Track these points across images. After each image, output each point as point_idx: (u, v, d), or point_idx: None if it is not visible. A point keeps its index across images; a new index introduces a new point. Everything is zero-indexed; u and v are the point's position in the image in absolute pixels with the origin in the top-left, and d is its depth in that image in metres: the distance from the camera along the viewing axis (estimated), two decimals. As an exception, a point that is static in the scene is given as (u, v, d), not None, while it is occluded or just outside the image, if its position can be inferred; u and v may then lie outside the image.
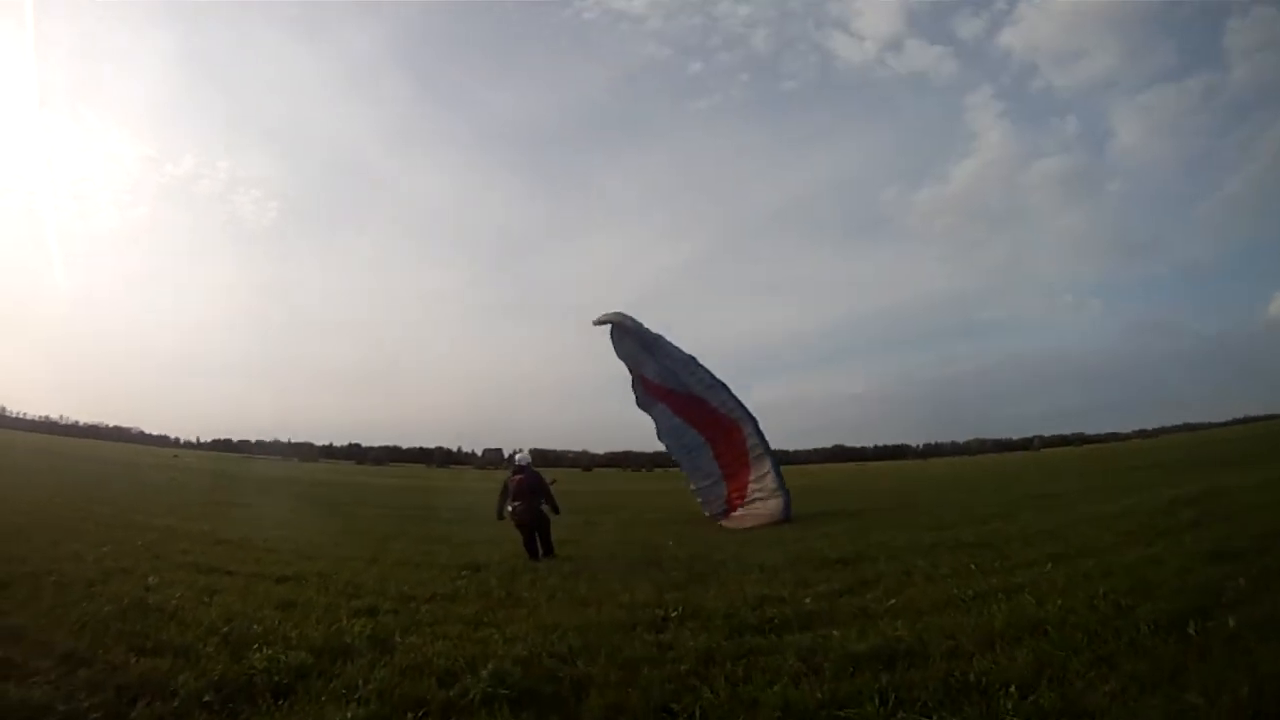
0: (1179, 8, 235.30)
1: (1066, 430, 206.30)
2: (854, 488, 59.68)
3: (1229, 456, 47.49)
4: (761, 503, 28.18)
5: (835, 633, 9.40)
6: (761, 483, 28.46)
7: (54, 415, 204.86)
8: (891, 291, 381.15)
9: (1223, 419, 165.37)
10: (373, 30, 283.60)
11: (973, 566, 13.83)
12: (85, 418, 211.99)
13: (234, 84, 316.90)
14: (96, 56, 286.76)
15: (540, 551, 17.80)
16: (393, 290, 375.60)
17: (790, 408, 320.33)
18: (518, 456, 19.04)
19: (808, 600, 11.65)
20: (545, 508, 18.12)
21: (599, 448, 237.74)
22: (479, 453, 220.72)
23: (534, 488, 18.06)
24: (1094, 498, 28.72)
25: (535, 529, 17.94)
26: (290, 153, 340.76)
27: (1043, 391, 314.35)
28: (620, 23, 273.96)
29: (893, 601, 11.24)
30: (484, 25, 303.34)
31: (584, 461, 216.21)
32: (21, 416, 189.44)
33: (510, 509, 17.97)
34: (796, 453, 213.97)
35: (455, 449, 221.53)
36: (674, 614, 10.94)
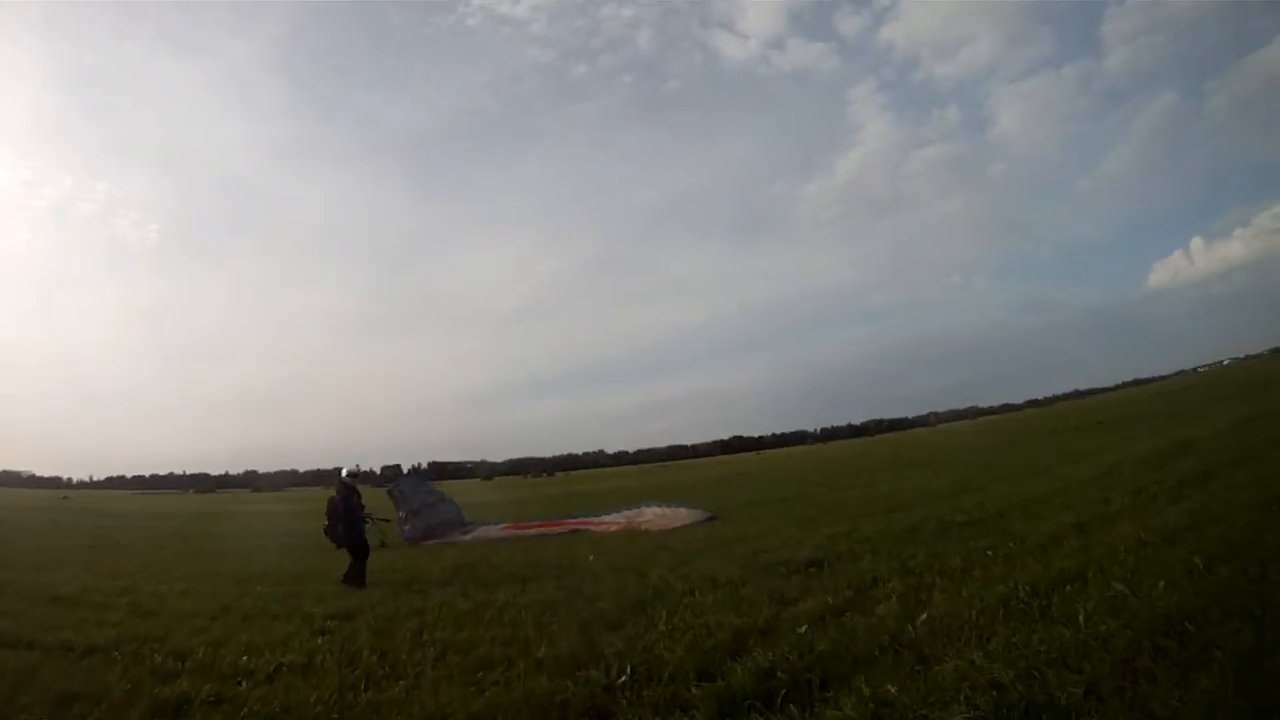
0: None
1: (960, 405, 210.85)
2: (767, 476, 56.82)
3: (1139, 415, 48.53)
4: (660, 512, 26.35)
5: (892, 690, 6.01)
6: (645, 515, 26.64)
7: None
8: (783, 284, 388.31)
9: (1110, 383, 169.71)
10: (249, 40, 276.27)
11: (989, 552, 11.38)
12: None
13: (109, 102, 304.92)
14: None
15: (346, 576, 15.95)
16: (280, 308, 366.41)
17: (685, 403, 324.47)
18: (344, 471, 17.58)
19: (803, 630, 8.25)
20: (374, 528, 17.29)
21: (498, 456, 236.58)
22: (377, 470, 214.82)
23: (345, 507, 16.45)
24: (1053, 463, 27.60)
25: (351, 553, 16.30)
26: (169, 171, 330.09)
27: (935, 370, 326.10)
28: (504, 27, 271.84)
29: (925, 615, 8.13)
30: (365, 32, 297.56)
31: (484, 471, 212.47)
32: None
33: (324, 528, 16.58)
34: (695, 446, 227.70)
35: (355, 467, 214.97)
36: (621, 679, 7.24)
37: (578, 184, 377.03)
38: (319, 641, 10.31)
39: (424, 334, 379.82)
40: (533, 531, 26.19)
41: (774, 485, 41.88)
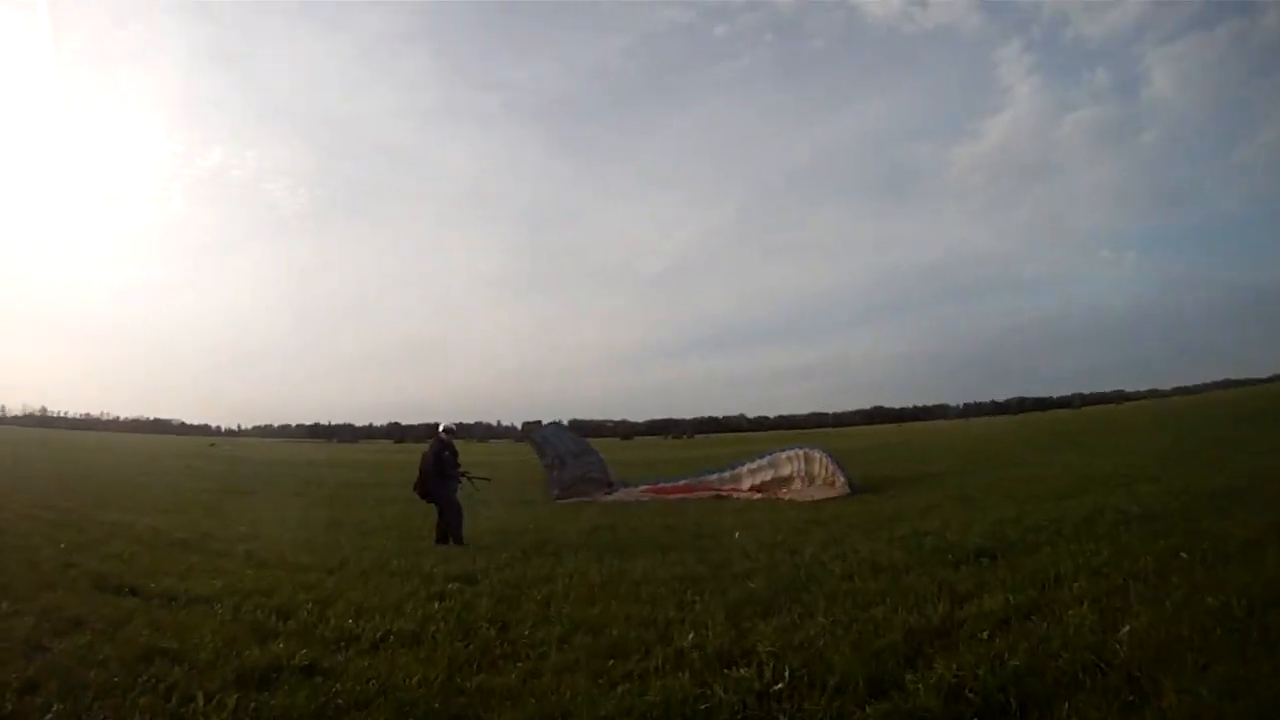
0: None
1: (1106, 388, 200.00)
2: (915, 450, 54.26)
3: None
4: (803, 482, 24.74)
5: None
6: (786, 466, 25.38)
7: (95, 412, 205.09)
8: (927, 250, 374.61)
9: (1264, 374, 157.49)
10: (389, 11, 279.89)
11: (1183, 554, 9.76)
12: (127, 413, 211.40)
13: (255, 75, 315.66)
14: (117, 56, 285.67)
15: (437, 538, 15.73)
16: (428, 268, 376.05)
17: (825, 369, 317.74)
18: (441, 426, 16.88)
19: (987, 636, 7.10)
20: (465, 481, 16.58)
21: (639, 416, 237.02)
22: (518, 426, 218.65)
23: (436, 463, 16.03)
24: (1226, 452, 25.13)
25: (440, 510, 15.92)
26: (316, 139, 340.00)
27: (1080, 348, 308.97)
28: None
29: (1128, 629, 6.78)
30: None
31: (623, 431, 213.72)
32: (62, 415, 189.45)
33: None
34: (837, 414, 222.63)
35: (495, 423, 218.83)
36: (777, 685, 6.05)
37: (719, 145, 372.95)
38: (435, 607, 9.61)
39: (566, 294, 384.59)
40: (674, 495, 25.27)
41: (923, 459, 39.82)
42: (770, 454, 26.17)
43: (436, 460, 15.91)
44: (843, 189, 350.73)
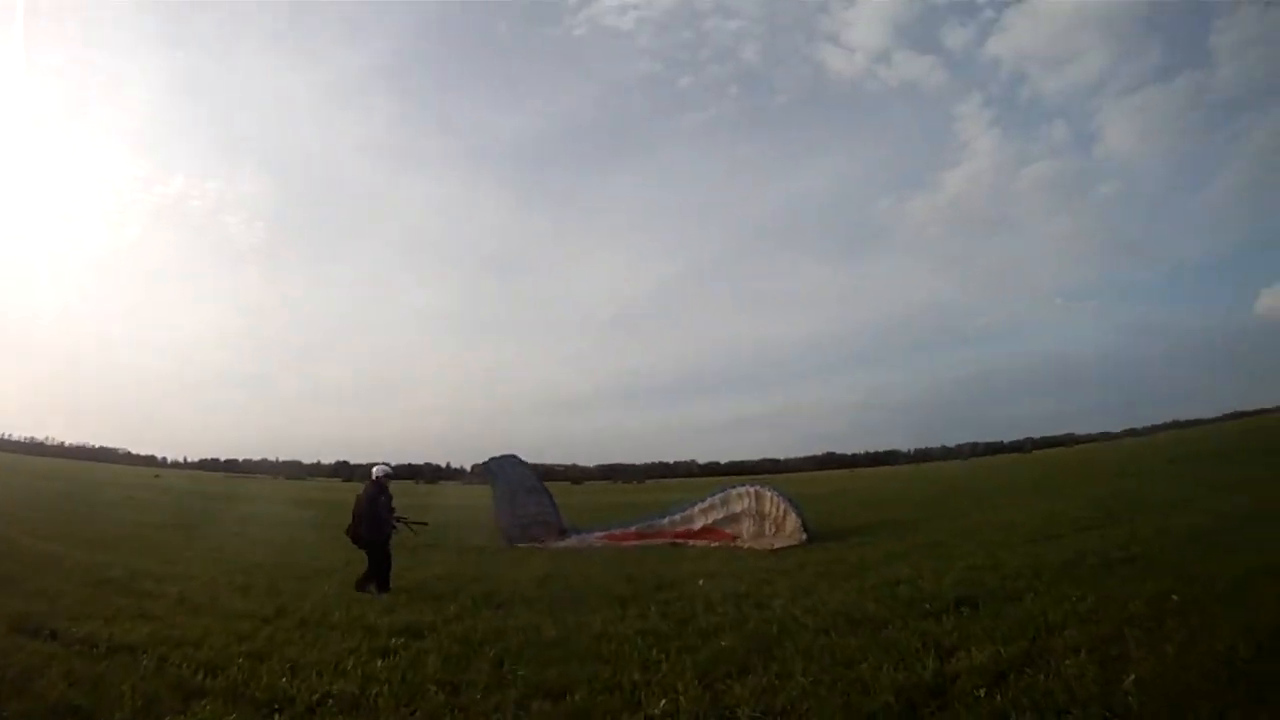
0: (1165, 7, 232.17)
1: (1057, 431, 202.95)
2: (870, 495, 52.93)
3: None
4: (754, 520, 24.07)
5: None
6: (737, 504, 24.67)
7: (39, 436, 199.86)
8: (884, 302, 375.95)
9: (1212, 414, 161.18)
10: (359, 50, 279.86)
11: (1174, 597, 9.57)
12: (72, 438, 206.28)
13: (222, 104, 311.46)
14: (86, 78, 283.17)
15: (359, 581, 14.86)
16: (382, 307, 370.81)
17: (778, 417, 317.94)
18: (375, 469, 15.97)
19: (983, 693, 6.61)
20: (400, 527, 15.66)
21: (589, 460, 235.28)
22: (468, 468, 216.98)
23: (369, 507, 15.11)
24: (1194, 494, 24.63)
25: (369, 554, 15.02)
26: (277, 173, 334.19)
27: (1033, 395, 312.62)
28: (611, 39, 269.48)
29: (1133, 678, 6.39)
30: (473, 44, 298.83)
31: (574, 475, 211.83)
32: (6, 437, 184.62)
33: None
34: (788, 461, 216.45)
35: (444, 465, 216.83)
36: None
37: (682, 196, 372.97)
38: (378, 665, 8.80)
39: (521, 338, 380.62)
40: (629, 542, 24.36)
41: (881, 505, 38.94)
42: (721, 490, 25.56)
43: (371, 505, 15.07)
44: (804, 241, 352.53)
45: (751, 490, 24.40)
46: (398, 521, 15.54)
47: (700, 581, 14.57)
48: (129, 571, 15.76)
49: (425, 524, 16.94)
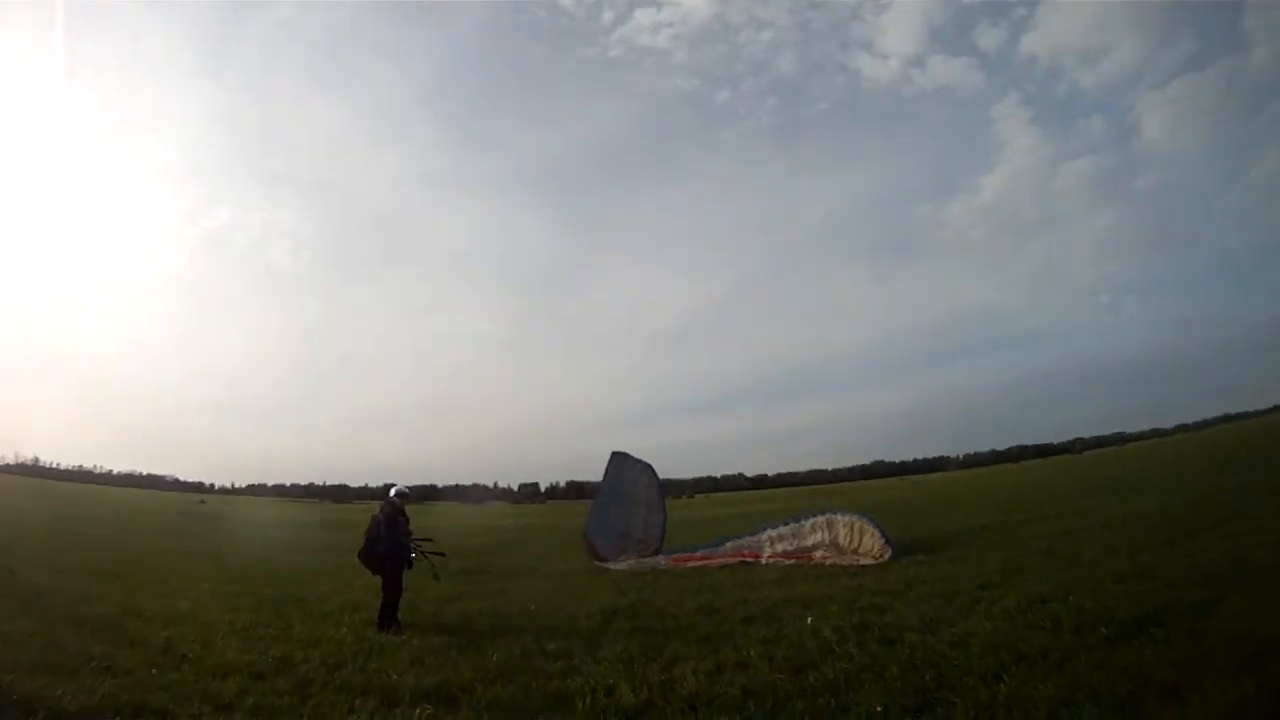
0: None
1: (1106, 431, 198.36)
2: (934, 502, 49.38)
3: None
4: (830, 551, 21.18)
5: None
6: (810, 536, 21.85)
7: (88, 465, 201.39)
8: (927, 308, 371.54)
9: (1263, 406, 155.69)
10: (397, 78, 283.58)
11: None
12: (121, 467, 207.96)
13: (263, 138, 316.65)
14: (130, 112, 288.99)
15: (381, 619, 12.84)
16: (427, 331, 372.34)
17: (825, 428, 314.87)
18: (392, 490, 14.28)
19: None
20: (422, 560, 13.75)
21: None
22: (515, 488, 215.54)
23: (388, 529, 13.29)
24: None
25: (385, 583, 13.10)
26: (320, 202, 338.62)
27: (1080, 394, 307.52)
28: (646, 58, 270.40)
29: None
30: (509, 68, 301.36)
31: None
32: (54, 466, 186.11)
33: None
34: (836, 470, 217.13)
35: (492, 484, 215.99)
36: None
37: (723, 209, 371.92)
38: None
39: (567, 357, 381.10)
40: (694, 563, 21.60)
41: (954, 513, 35.30)
42: (794, 520, 22.84)
43: (389, 527, 13.23)
44: (843, 250, 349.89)
45: (823, 520, 21.62)
46: (415, 547, 13.59)
47: (809, 619, 11.44)
48: (120, 609, 13.61)
49: (443, 554, 14.61)
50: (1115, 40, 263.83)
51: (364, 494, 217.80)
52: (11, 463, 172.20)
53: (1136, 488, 33.96)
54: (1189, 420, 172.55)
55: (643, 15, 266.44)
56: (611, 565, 22.41)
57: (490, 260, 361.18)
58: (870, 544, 20.15)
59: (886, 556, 19.35)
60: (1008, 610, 10.65)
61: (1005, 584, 13.21)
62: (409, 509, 14.06)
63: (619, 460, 26.51)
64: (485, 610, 14.32)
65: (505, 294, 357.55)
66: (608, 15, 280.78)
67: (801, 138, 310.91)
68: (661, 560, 22.55)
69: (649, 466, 26.29)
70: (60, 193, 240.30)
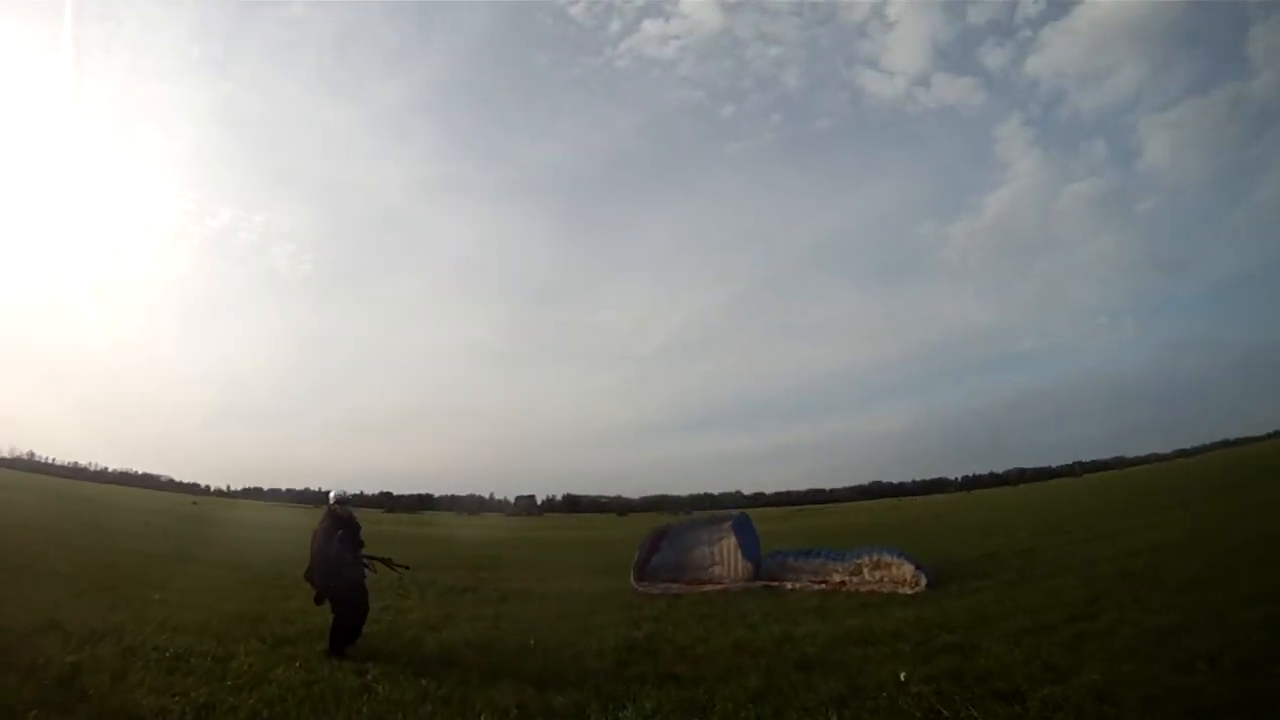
0: (1200, 17, 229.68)
1: (1106, 455, 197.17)
2: (940, 524, 47.37)
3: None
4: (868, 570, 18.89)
5: None
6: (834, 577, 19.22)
7: (83, 461, 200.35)
8: (927, 328, 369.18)
9: (1260, 432, 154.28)
10: (403, 82, 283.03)
11: None
12: (116, 464, 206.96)
13: (268, 137, 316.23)
14: (135, 109, 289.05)
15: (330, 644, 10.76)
16: (425, 338, 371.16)
17: (823, 447, 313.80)
18: (331, 494, 11.89)
19: None
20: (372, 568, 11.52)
21: (634, 493, 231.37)
22: (511, 500, 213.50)
23: (326, 542, 11.00)
24: None
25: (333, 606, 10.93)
26: (323, 206, 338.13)
27: (1079, 417, 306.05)
28: (652, 69, 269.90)
29: None
30: (515, 75, 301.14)
31: (618, 507, 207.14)
32: (49, 462, 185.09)
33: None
34: (833, 490, 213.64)
35: (488, 495, 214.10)
36: None
37: (725, 224, 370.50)
38: None
39: (563, 369, 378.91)
40: (709, 587, 19.16)
41: (974, 535, 33.37)
42: (817, 556, 20.60)
43: (331, 542, 10.99)
44: (844, 268, 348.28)
45: (848, 564, 19.39)
46: (367, 562, 11.38)
47: (902, 675, 8.77)
48: (40, 620, 11.43)
49: (407, 567, 12.48)
50: (1118, 63, 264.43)
51: (361, 501, 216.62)
52: (6, 456, 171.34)
53: (1171, 508, 32.10)
54: (1187, 445, 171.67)
55: (651, 26, 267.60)
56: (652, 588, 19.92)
57: (491, 269, 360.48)
58: (900, 574, 17.95)
59: (922, 584, 17.18)
60: (1132, 648, 8.76)
61: (1101, 614, 11.35)
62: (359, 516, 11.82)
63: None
64: (474, 642, 11.98)
65: (505, 303, 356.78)
66: (615, 25, 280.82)
67: (805, 154, 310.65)
68: (679, 585, 20.07)
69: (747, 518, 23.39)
70: (64, 187, 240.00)
